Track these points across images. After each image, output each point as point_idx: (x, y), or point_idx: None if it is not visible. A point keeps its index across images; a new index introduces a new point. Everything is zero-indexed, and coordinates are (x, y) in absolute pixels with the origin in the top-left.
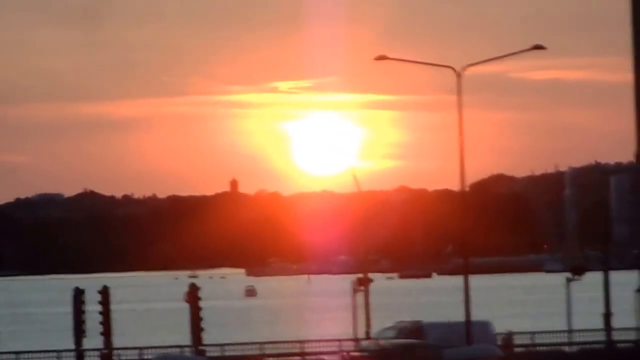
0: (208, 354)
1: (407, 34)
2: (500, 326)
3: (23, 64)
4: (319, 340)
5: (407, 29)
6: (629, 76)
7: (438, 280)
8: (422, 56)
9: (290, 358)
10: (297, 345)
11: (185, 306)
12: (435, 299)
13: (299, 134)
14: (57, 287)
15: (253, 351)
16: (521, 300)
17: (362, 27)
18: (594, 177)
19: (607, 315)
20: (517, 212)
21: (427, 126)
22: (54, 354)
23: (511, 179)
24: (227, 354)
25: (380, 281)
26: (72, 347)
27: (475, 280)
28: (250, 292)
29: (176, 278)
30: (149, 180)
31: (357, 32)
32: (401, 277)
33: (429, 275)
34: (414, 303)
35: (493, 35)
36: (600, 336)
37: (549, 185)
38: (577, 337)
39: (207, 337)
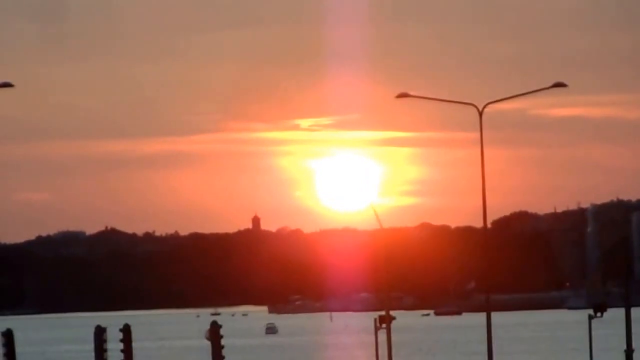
0: None
1: (428, 71)
2: None
3: (45, 101)
4: None
5: (428, 66)
6: None
7: (466, 318)
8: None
9: None
10: None
11: (207, 344)
12: (460, 336)
13: (321, 171)
14: (79, 325)
15: None
16: (544, 337)
17: (383, 65)
18: (615, 214)
19: (629, 352)
20: (539, 249)
21: (448, 163)
22: None
23: (533, 216)
24: None
25: (415, 318)
26: None
27: (498, 317)
28: (271, 330)
29: (198, 316)
30: (171, 217)
31: (378, 69)
32: (436, 314)
33: (459, 313)
34: (438, 340)
35: (514, 72)
36: None
37: (571, 222)
38: None
39: None
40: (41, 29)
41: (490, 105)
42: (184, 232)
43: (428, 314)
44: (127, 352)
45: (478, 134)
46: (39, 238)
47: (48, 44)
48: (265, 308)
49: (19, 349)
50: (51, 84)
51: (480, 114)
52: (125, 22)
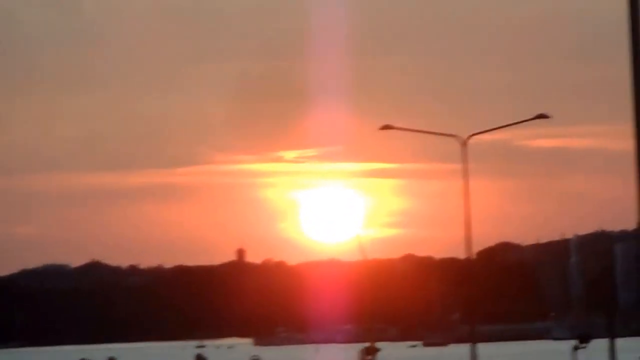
0: None
1: (411, 103)
2: None
3: (28, 133)
4: None
5: (412, 98)
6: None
7: (452, 349)
8: (426, 125)
9: None
10: None
11: None
12: None
13: (305, 203)
14: (65, 358)
15: None
16: None
17: (367, 97)
18: (599, 244)
19: None
20: (523, 279)
21: (432, 194)
22: None
23: (517, 247)
24: None
25: (402, 349)
26: None
27: (483, 348)
28: None
29: (183, 348)
30: (156, 250)
31: (362, 101)
32: (425, 345)
33: (445, 344)
34: None
35: (497, 104)
36: None
37: (554, 252)
38: None
39: None
40: (23, 60)
41: (473, 137)
42: (168, 264)
43: (415, 345)
44: None
45: (462, 165)
46: (24, 271)
47: (30, 75)
48: (250, 340)
49: None
50: (34, 116)
51: (464, 145)
52: (108, 54)
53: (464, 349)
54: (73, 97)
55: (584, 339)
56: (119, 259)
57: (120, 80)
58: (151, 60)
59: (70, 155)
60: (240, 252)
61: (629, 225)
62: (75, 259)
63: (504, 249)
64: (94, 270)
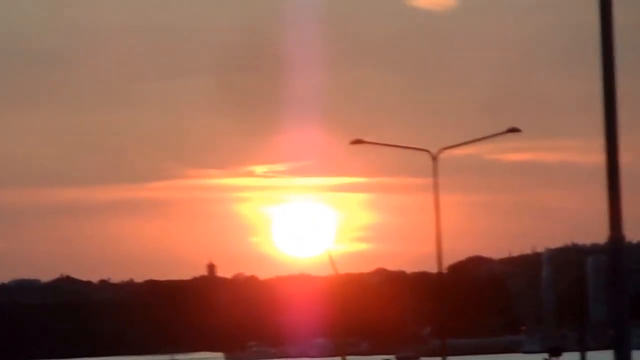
0: None
1: (382, 117)
2: None
3: None
4: None
5: (382, 112)
6: (603, 156)
7: None
8: (397, 139)
9: None
10: None
11: None
12: None
13: (276, 218)
14: None
15: None
16: None
17: (337, 111)
18: (570, 257)
19: None
20: (494, 293)
21: (403, 208)
22: None
23: (488, 260)
24: None
25: None
26: None
27: None
28: None
29: None
30: (126, 265)
31: (332, 115)
32: (398, 359)
33: (417, 358)
34: None
35: (468, 118)
36: None
37: (526, 266)
38: None
39: None
40: None
41: (444, 151)
42: (139, 279)
43: (389, 359)
44: None
45: (432, 179)
46: None
47: (3, 90)
48: (221, 355)
49: None
50: (2, 131)
51: (435, 159)
52: (75, 69)
53: None
54: (39, 112)
55: (555, 352)
56: (90, 274)
57: (89, 95)
58: (120, 75)
59: (39, 170)
60: (211, 267)
61: (600, 238)
62: (46, 274)
63: (476, 262)
64: (65, 285)
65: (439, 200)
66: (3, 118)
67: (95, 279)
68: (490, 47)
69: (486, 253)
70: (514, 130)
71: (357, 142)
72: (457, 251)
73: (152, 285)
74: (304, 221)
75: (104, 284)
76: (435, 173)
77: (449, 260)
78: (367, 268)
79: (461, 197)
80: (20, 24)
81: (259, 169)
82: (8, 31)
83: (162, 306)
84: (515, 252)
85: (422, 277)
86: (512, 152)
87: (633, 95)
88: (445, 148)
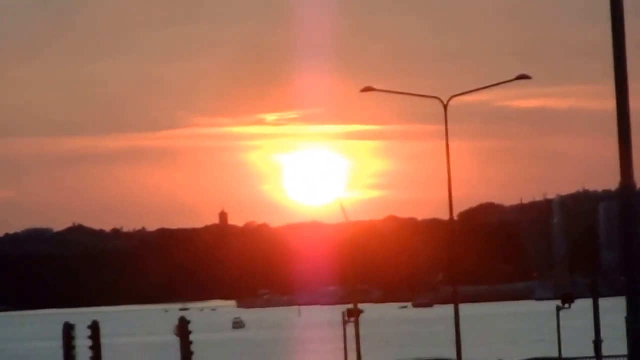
0: None
1: (392, 64)
2: (491, 354)
3: (5, 99)
4: None
5: (393, 59)
6: (613, 103)
7: (436, 310)
8: (407, 86)
9: None
10: None
11: (176, 339)
12: (430, 328)
13: (287, 165)
14: (47, 322)
15: None
16: (511, 329)
17: (347, 59)
18: (582, 204)
19: (597, 343)
20: (506, 240)
21: (414, 156)
22: None
23: (499, 207)
24: None
25: (393, 310)
26: None
27: (466, 308)
28: (237, 324)
29: (166, 311)
30: (138, 213)
31: (342, 63)
32: (414, 305)
33: (431, 305)
34: (409, 333)
35: (478, 65)
36: None
37: (537, 213)
38: None
39: None
40: (5, 28)
41: (454, 98)
42: (151, 227)
43: (405, 306)
44: (96, 348)
45: (443, 127)
46: (6, 236)
47: (3, 43)
48: (233, 302)
49: None
50: (13, 81)
51: (445, 106)
52: (83, 18)
53: (448, 310)
54: (48, 63)
55: (567, 299)
56: (102, 223)
57: (98, 45)
58: (127, 24)
59: (51, 120)
60: (223, 215)
61: (612, 184)
62: (57, 224)
63: (487, 209)
64: (77, 234)
65: (449, 148)
66: (13, 69)
67: (107, 227)
68: None
69: (497, 200)
70: (523, 77)
71: (368, 89)
72: (468, 198)
73: (164, 234)
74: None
75: (116, 232)
76: (445, 120)
77: (460, 207)
78: (378, 215)
79: (472, 144)
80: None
81: (270, 116)
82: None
83: (175, 254)
84: (526, 199)
85: (434, 224)
86: (522, 99)
87: None
88: (455, 95)
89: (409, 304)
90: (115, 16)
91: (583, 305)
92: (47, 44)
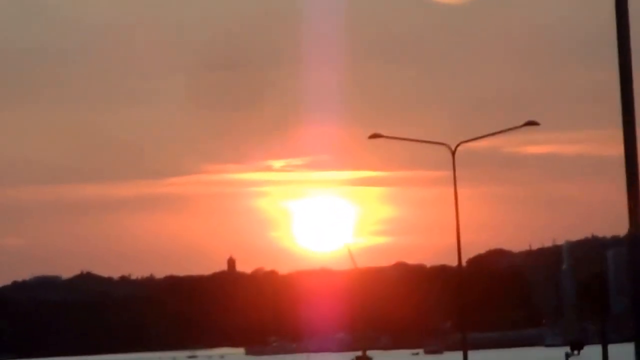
0: None
1: (400, 111)
2: None
3: (17, 146)
4: None
5: (400, 106)
6: (622, 149)
7: (447, 356)
8: (415, 133)
9: None
10: None
11: None
12: None
13: (295, 212)
14: None
15: None
16: None
17: (355, 105)
18: (591, 250)
19: None
20: (515, 286)
21: (422, 202)
22: None
23: (509, 253)
24: None
25: (405, 357)
26: None
27: (475, 355)
28: None
29: (174, 358)
30: (146, 260)
31: (350, 110)
32: (426, 352)
33: (441, 352)
34: None
35: (487, 111)
36: None
37: (546, 259)
38: None
39: None
40: (8, 73)
41: (462, 144)
42: (159, 275)
43: (417, 353)
44: None
45: (451, 173)
46: (15, 283)
47: (16, 90)
48: (242, 350)
49: None
50: (25, 128)
51: (453, 153)
52: (91, 66)
53: (457, 356)
54: (59, 111)
55: (576, 345)
56: (110, 270)
57: (107, 93)
58: (139, 72)
59: (60, 168)
60: (231, 262)
61: (621, 230)
62: (66, 271)
63: (496, 255)
64: (85, 281)
65: (457, 194)
66: (23, 116)
67: (115, 275)
68: (506, 41)
69: (506, 246)
70: (532, 123)
71: (375, 136)
72: (477, 244)
73: (173, 281)
74: (323, 215)
75: (124, 279)
76: (453, 166)
77: (469, 253)
78: (386, 262)
79: (480, 190)
80: (45, 25)
81: (277, 163)
82: (25, 31)
83: (183, 302)
84: (536, 245)
85: (442, 270)
86: (531, 145)
87: None
88: (464, 142)
89: (421, 350)
90: (123, 63)
91: (592, 351)
92: (55, 91)
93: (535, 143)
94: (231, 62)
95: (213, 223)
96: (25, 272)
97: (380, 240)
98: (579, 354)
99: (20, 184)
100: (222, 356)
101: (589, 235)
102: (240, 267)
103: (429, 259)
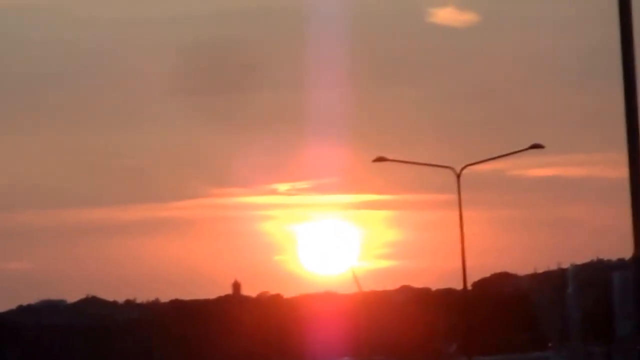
0: None
1: (404, 134)
2: None
3: (20, 170)
4: None
5: (405, 129)
6: (627, 171)
7: None
8: (420, 156)
9: None
10: None
11: None
12: None
13: (300, 235)
14: None
15: None
16: None
17: (360, 128)
18: (596, 273)
19: None
20: (520, 309)
21: (427, 225)
22: None
23: (514, 276)
24: None
25: None
26: None
27: None
28: None
29: None
30: (151, 284)
31: (354, 133)
32: None
33: None
34: None
35: (491, 134)
36: None
37: (551, 282)
38: None
39: None
40: (7, 98)
41: (467, 168)
42: (164, 298)
43: None
44: None
45: (456, 196)
46: (20, 307)
47: (15, 115)
48: None
49: None
50: (27, 153)
51: (458, 176)
52: (95, 90)
53: None
54: (63, 133)
55: None
56: (115, 294)
57: (110, 115)
58: (144, 95)
59: (63, 191)
60: (236, 285)
61: (626, 253)
62: (71, 294)
63: (501, 279)
64: (90, 305)
65: (462, 217)
66: (27, 141)
67: (120, 298)
68: (511, 63)
69: (511, 269)
70: (536, 146)
71: (380, 159)
72: (482, 267)
73: (178, 305)
74: (328, 239)
75: (129, 303)
76: (458, 189)
77: (474, 276)
78: (391, 285)
79: (485, 214)
80: (39, 45)
81: (282, 186)
82: (27, 52)
83: (188, 325)
84: (541, 268)
85: (448, 293)
86: (536, 168)
87: None
88: (469, 165)
89: None
90: (128, 87)
91: None
92: (57, 115)
93: (540, 166)
94: (236, 85)
95: (218, 246)
96: (30, 296)
97: (385, 263)
98: None
99: (24, 208)
100: None
101: (594, 258)
102: (246, 291)
103: (435, 283)
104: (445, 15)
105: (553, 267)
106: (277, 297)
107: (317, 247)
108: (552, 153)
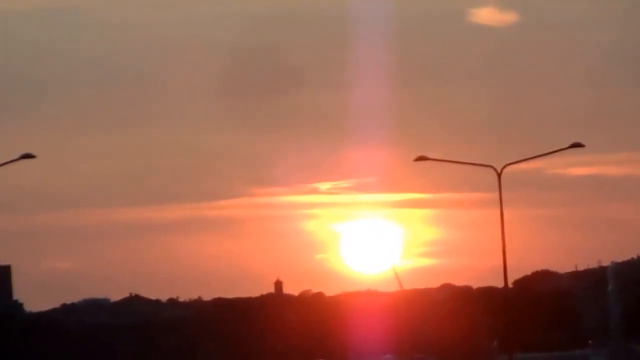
0: None
1: (445, 133)
2: None
3: (68, 170)
4: None
5: (446, 128)
6: None
7: None
8: (461, 155)
9: None
10: None
11: None
12: None
13: (341, 234)
14: None
15: None
16: None
17: (401, 128)
18: (637, 271)
19: None
20: (561, 307)
21: (468, 224)
22: None
23: (555, 275)
24: None
25: None
26: None
27: None
28: None
29: None
30: (195, 283)
31: (396, 132)
32: None
33: None
34: None
35: (532, 133)
36: None
37: (592, 280)
38: None
39: None
40: (63, 99)
41: (508, 167)
42: (207, 297)
43: None
44: None
45: (496, 194)
46: (64, 306)
47: (72, 113)
48: None
49: None
50: (76, 152)
51: (499, 175)
52: (136, 88)
53: None
54: (110, 134)
55: None
56: (158, 293)
57: (155, 116)
58: (186, 95)
59: (108, 190)
60: (278, 284)
61: None
62: (115, 293)
63: (542, 277)
64: (133, 303)
65: (503, 215)
66: (76, 140)
67: (164, 297)
68: (551, 62)
69: (552, 267)
70: (577, 145)
71: (421, 158)
72: (523, 265)
73: (220, 303)
74: (370, 237)
75: (172, 302)
76: (499, 188)
77: (515, 274)
78: (433, 283)
79: (526, 212)
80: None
81: (323, 185)
82: (95, 54)
83: (231, 323)
84: (582, 266)
85: (489, 291)
86: (576, 167)
87: None
88: (509, 164)
89: None
90: (170, 86)
91: None
92: (100, 115)
93: (580, 165)
94: (280, 86)
95: (261, 245)
96: (74, 295)
97: (426, 261)
98: None
99: (68, 207)
100: None
101: (634, 256)
102: (288, 289)
103: (475, 281)
104: (486, 15)
105: (593, 265)
106: (319, 295)
107: (358, 246)
108: (592, 152)
